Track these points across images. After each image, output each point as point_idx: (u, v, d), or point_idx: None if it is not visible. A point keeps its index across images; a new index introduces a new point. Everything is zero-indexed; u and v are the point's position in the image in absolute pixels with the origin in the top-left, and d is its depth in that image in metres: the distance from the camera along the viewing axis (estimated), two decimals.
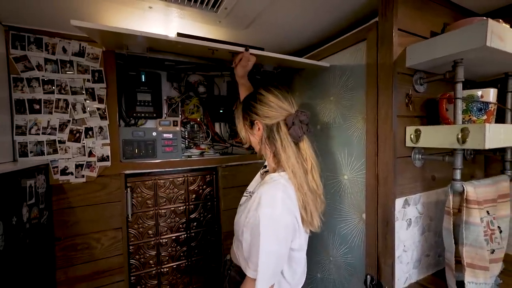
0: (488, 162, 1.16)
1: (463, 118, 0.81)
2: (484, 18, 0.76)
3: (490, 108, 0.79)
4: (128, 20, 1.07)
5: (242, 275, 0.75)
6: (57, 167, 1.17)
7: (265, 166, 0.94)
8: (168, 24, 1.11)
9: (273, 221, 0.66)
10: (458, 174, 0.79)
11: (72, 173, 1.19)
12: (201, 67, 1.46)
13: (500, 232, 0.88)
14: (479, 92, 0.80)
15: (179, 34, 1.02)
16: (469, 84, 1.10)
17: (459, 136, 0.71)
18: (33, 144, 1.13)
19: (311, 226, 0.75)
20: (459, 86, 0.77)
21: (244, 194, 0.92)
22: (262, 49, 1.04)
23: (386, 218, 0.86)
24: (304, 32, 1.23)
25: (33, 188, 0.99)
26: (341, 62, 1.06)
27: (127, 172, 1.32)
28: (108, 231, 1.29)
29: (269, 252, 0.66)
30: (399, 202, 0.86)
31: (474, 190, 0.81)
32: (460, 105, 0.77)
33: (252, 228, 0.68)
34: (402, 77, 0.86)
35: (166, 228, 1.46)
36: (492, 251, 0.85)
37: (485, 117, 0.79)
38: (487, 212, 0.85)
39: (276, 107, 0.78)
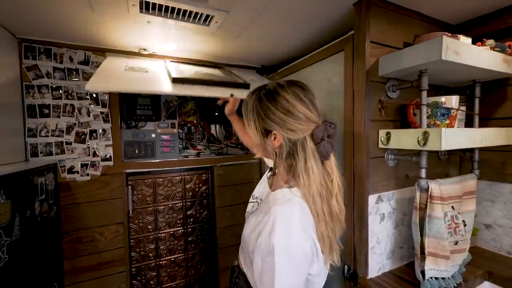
0: (462, 162, 1.24)
1: (429, 123, 0.89)
2: (446, 34, 0.85)
3: (452, 113, 0.87)
4: (130, 33, 1.17)
5: (250, 284, 0.67)
6: (64, 166, 1.28)
7: (271, 169, 0.78)
8: (166, 36, 1.21)
9: (290, 251, 0.55)
10: (423, 173, 0.88)
11: (78, 172, 1.30)
12: None
13: (465, 225, 0.96)
14: (443, 99, 0.88)
15: (174, 80, 1.16)
16: (444, 90, 1.18)
17: (419, 139, 0.79)
18: (43, 145, 1.24)
19: (331, 258, 0.62)
20: (424, 93, 0.85)
21: (250, 200, 0.81)
22: (247, 86, 1.16)
23: (360, 213, 0.95)
24: (289, 45, 1.33)
25: (43, 185, 1.10)
26: (323, 70, 1.15)
27: (128, 171, 1.42)
28: (110, 226, 1.39)
29: (285, 285, 0.55)
30: (372, 198, 0.95)
31: (439, 187, 0.89)
32: (425, 110, 0.86)
33: (265, 257, 0.56)
34: (375, 85, 0.95)
35: (164, 224, 1.56)
36: (456, 243, 0.93)
37: (447, 121, 0.87)
38: (452, 207, 0.94)
39: (305, 119, 0.60)
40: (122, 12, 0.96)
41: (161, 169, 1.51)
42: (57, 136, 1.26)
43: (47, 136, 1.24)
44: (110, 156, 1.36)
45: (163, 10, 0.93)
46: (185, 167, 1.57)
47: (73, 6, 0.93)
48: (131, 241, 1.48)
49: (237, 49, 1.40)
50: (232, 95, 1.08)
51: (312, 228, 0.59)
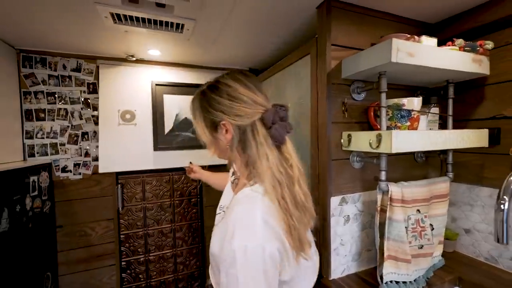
0: (442, 165, 1.20)
1: (390, 125, 0.88)
2: (404, 35, 0.85)
3: (413, 115, 0.86)
4: (114, 41, 1.25)
5: None
6: (58, 165, 1.39)
7: (234, 173, 0.74)
8: (148, 44, 1.29)
9: (254, 257, 0.47)
10: (383, 175, 0.87)
11: (71, 171, 1.41)
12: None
13: (432, 229, 0.94)
14: (404, 101, 0.87)
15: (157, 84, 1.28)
16: (423, 90, 1.15)
17: (371, 141, 0.79)
18: (39, 146, 1.35)
19: (302, 253, 0.54)
20: (383, 95, 0.85)
21: (217, 211, 0.74)
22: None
23: (323, 214, 0.96)
24: (265, 48, 1.37)
25: (35, 183, 1.21)
26: (295, 73, 1.17)
27: (118, 170, 1.51)
28: (102, 221, 1.49)
29: None
30: (335, 200, 0.95)
31: (401, 190, 0.88)
32: (384, 112, 0.85)
33: (228, 269, 0.48)
34: (339, 87, 0.96)
35: (153, 221, 1.64)
36: (421, 246, 0.91)
37: (408, 123, 0.86)
38: (418, 210, 0.92)
39: (251, 102, 0.58)
40: (100, 24, 1.04)
41: (150, 168, 1.58)
42: (52, 137, 1.38)
43: (43, 138, 1.36)
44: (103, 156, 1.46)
45: (134, 20, 1.00)
46: (173, 167, 1.63)
47: (64, 19, 1.02)
48: (121, 236, 1.57)
49: (218, 53, 1.45)
50: (190, 163, 1.26)
51: (279, 225, 0.51)
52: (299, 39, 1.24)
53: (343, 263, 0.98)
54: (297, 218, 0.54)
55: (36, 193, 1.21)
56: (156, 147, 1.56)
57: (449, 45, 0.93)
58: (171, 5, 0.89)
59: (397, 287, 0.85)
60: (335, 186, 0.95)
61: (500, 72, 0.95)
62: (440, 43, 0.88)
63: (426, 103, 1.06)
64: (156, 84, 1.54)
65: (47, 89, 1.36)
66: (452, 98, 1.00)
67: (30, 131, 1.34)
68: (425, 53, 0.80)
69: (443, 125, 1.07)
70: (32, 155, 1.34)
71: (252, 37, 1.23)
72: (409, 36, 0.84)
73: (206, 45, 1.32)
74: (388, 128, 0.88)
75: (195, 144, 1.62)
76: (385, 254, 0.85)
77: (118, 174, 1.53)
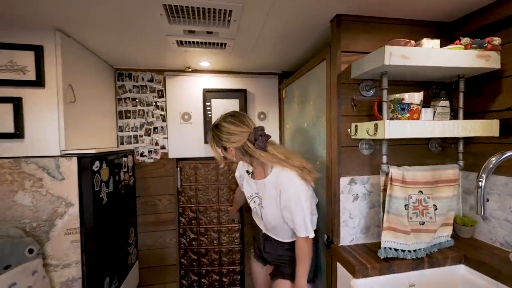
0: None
1: (392, 116, 1.04)
2: (404, 40, 0.99)
3: (412, 108, 1.00)
4: (176, 58, 1.67)
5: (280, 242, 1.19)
6: (138, 151, 1.89)
7: (248, 172, 1.25)
8: (201, 58, 1.67)
9: (301, 189, 1.03)
10: (384, 159, 1.04)
11: (146, 156, 1.90)
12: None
13: (436, 209, 1.05)
14: (405, 95, 1.01)
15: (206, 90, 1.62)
16: (441, 84, 1.24)
17: (368, 130, 0.97)
18: (126, 137, 1.87)
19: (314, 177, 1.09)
20: (385, 91, 1.01)
21: (249, 199, 1.23)
22: None
23: (334, 191, 1.16)
24: (293, 56, 1.62)
25: (125, 162, 1.70)
26: (315, 76, 1.38)
27: (178, 157, 1.95)
28: (166, 195, 1.95)
29: (309, 207, 1.05)
30: (344, 180, 1.14)
31: (402, 172, 1.03)
32: (386, 106, 1.02)
33: (295, 202, 1.03)
34: (349, 86, 1.14)
35: (202, 199, 2.04)
36: (422, 223, 1.04)
37: (408, 115, 1.00)
38: (421, 191, 1.05)
39: (238, 133, 1.03)
40: (168, 47, 1.44)
41: (201, 156, 1.98)
42: (134, 131, 1.88)
43: (129, 131, 1.88)
44: (166, 146, 1.92)
45: (192, 43, 1.37)
46: None
47: (145, 47, 1.46)
48: (179, 208, 2.01)
49: (254, 60, 1.75)
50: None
51: (297, 174, 1.06)
52: (320, 46, 1.45)
53: (351, 234, 1.16)
54: (300, 166, 1.07)
55: (125, 170, 1.70)
56: (205, 141, 1.96)
57: (456, 44, 1.03)
58: (217, 31, 1.22)
59: (395, 253, 1.00)
60: (345, 168, 1.15)
61: None
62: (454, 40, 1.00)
63: (437, 97, 1.16)
64: (206, 91, 1.93)
65: (131, 96, 1.87)
66: (463, 92, 1.09)
67: (121, 126, 1.87)
68: (421, 55, 0.94)
69: (456, 117, 1.15)
70: (122, 143, 1.87)
71: (281, 47, 1.49)
72: (407, 41, 0.98)
73: (244, 55, 1.64)
74: (391, 119, 1.03)
75: None
76: (385, 225, 1.02)
77: (178, 160, 1.97)
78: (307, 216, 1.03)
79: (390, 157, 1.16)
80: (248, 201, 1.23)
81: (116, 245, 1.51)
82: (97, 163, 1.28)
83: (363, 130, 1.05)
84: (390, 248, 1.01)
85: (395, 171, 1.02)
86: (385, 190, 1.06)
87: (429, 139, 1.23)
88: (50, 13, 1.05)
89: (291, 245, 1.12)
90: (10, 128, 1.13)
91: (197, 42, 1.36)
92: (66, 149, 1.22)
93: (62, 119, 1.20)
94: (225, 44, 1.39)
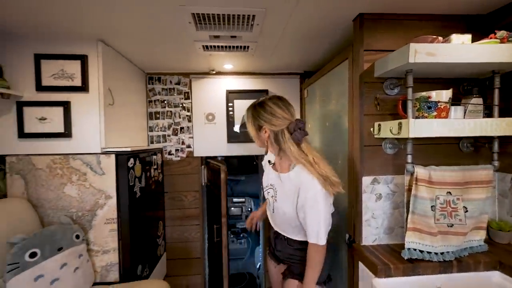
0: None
1: (418, 115, 1.01)
2: (431, 37, 0.97)
3: (440, 106, 0.97)
4: (201, 62, 1.76)
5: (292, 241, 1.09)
6: (166, 150, 2.02)
7: (270, 162, 1.17)
8: (224, 61, 1.74)
9: (321, 194, 0.94)
10: (409, 158, 1.01)
11: (173, 154, 2.02)
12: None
13: (466, 211, 1.01)
14: (433, 93, 0.99)
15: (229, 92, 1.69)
16: (473, 81, 1.18)
17: (391, 128, 0.96)
18: (155, 136, 2.01)
19: (334, 191, 0.97)
20: (410, 90, 0.99)
21: (265, 189, 1.16)
22: None
23: (356, 190, 1.16)
24: (316, 55, 1.63)
25: (155, 160, 1.83)
26: (337, 75, 1.38)
27: (203, 155, 2.05)
28: (191, 192, 2.06)
29: (325, 215, 0.95)
30: (366, 179, 1.14)
31: (428, 172, 1.00)
32: (410, 104, 0.99)
33: (312, 204, 0.94)
34: (372, 85, 1.13)
35: None
36: (451, 225, 1.00)
37: (435, 113, 0.97)
38: (449, 192, 1.01)
39: (281, 118, 0.98)
40: (194, 52, 1.53)
41: (226, 155, 2.06)
42: (163, 131, 2.01)
43: (158, 131, 2.01)
44: (192, 145, 2.02)
45: (216, 47, 1.44)
46: (239, 154, 2.07)
47: (173, 53, 1.57)
48: (204, 204, 2.11)
49: (276, 61, 1.79)
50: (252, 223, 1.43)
51: (318, 178, 0.96)
52: (342, 45, 1.45)
53: (374, 234, 1.15)
54: (325, 175, 0.96)
55: (155, 167, 1.83)
56: (229, 140, 2.03)
57: (491, 38, 0.98)
58: (240, 35, 1.27)
59: (420, 254, 0.98)
60: (367, 167, 1.14)
61: None
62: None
63: (469, 94, 1.11)
64: (229, 92, 2.01)
65: (160, 98, 2.01)
66: (498, 88, 1.03)
67: (151, 126, 2.01)
68: (449, 51, 0.91)
69: (490, 115, 1.09)
70: (152, 142, 2.01)
71: (302, 47, 1.51)
72: (434, 37, 0.96)
73: (266, 57, 1.68)
74: (416, 118, 1.01)
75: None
76: (409, 226, 1.00)
77: (202, 158, 2.07)
78: (322, 222, 0.95)
79: (416, 156, 1.13)
80: (263, 190, 1.20)
81: (147, 236, 1.64)
82: (131, 160, 1.41)
83: (387, 129, 1.04)
84: (414, 249, 0.99)
85: (420, 171, 1.00)
86: (409, 190, 1.03)
87: (460, 138, 1.18)
88: (94, 26, 1.18)
89: (301, 245, 1.06)
90: (60, 128, 1.28)
91: (221, 46, 1.42)
92: (106, 147, 1.35)
93: (102, 120, 1.33)
94: (248, 46, 1.44)
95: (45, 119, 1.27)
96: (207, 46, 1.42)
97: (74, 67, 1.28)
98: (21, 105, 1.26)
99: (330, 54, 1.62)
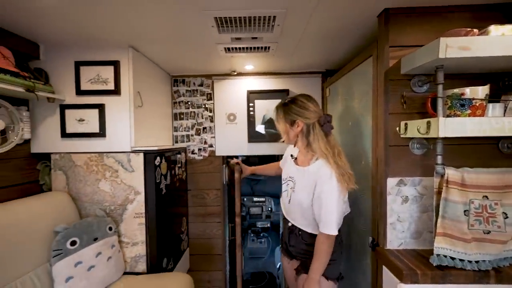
0: None
1: (450, 113, 0.95)
2: (465, 30, 0.90)
3: (474, 103, 0.90)
4: (223, 63, 1.80)
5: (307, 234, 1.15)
6: (189, 149, 2.10)
7: (292, 156, 1.23)
8: (245, 62, 1.78)
9: (335, 189, 1.02)
10: (439, 159, 0.95)
11: (196, 153, 2.10)
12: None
13: (506, 218, 0.93)
14: (467, 90, 0.92)
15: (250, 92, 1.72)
16: (507, 76, 1.08)
17: (419, 128, 0.91)
18: (180, 136, 2.10)
19: (350, 185, 1.06)
20: (440, 87, 0.93)
21: (286, 180, 1.23)
22: None
23: (380, 192, 1.12)
24: (339, 53, 1.60)
25: (180, 159, 1.92)
26: (361, 73, 1.34)
27: (224, 154, 2.10)
28: (213, 190, 2.12)
29: (338, 208, 1.04)
30: (392, 180, 1.09)
31: (461, 174, 0.94)
32: (441, 102, 0.94)
33: (321, 199, 1.04)
34: (398, 82, 1.08)
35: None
36: (488, 232, 0.93)
37: (469, 111, 0.91)
38: (485, 196, 0.94)
39: (313, 111, 1.10)
40: (216, 54, 1.58)
41: (246, 154, 2.10)
42: (186, 131, 2.10)
43: (182, 131, 2.10)
44: (214, 144, 2.09)
45: (238, 49, 1.47)
46: (260, 154, 2.09)
47: (197, 56, 1.64)
48: (226, 202, 2.16)
49: (297, 61, 1.78)
50: (236, 162, 1.50)
51: (337, 173, 1.04)
52: (365, 42, 1.40)
53: (400, 238, 1.10)
54: (342, 171, 1.05)
55: (179, 165, 1.92)
56: (250, 140, 2.06)
57: None
58: (261, 37, 1.29)
59: (451, 261, 0.92)
60: (392, 168, 1.09)
61: None
62: None
63: (510, 90, 1.02)
64: (250, 92, 2.04)
65: (184, 99, 2.09)
66: None
67: (176, 127, 2.11)
68: (486, 44, 0.84)
69: None
70: (176, 142, 2.11)
71: (323, 46, 1.48)
72: (468, 30, 0.89)
73: (286, 57, 1.68)
74: (448, 116, 0.95)
75: (276, 138, 2.01)
76: (439, 231, 0.94)
77: (224, 157, 2.13)
78: (334, 213, 1.03)
79: (447, 157, 1.06)
80: (282, 182, 1.26)
81: (171, 231, 1.72)
82: (158, 159, 1.49)
83: (414, 128, 0.99)
84: (445, 256, 0.94)
85: (452, 173, 0.94)
86: (439, 193, 0.98)
87: (499, 138, 1.08)
88: (125, 33, 1.27)
89: (314, 240, 1.10)
90: (96, 128, 1.40)
91: (243, 48, 1.45)
92: (135, 146, 1.45)
93: (132, 120, 1.43)
94: (269, 47, 1.45)
95: (83, 120, 1.40)
96: (228, 48, 1.46)
97: (108, 72, 1.38)
98: (63, 108, 1.40)
99: (352, 53, 1.58)
